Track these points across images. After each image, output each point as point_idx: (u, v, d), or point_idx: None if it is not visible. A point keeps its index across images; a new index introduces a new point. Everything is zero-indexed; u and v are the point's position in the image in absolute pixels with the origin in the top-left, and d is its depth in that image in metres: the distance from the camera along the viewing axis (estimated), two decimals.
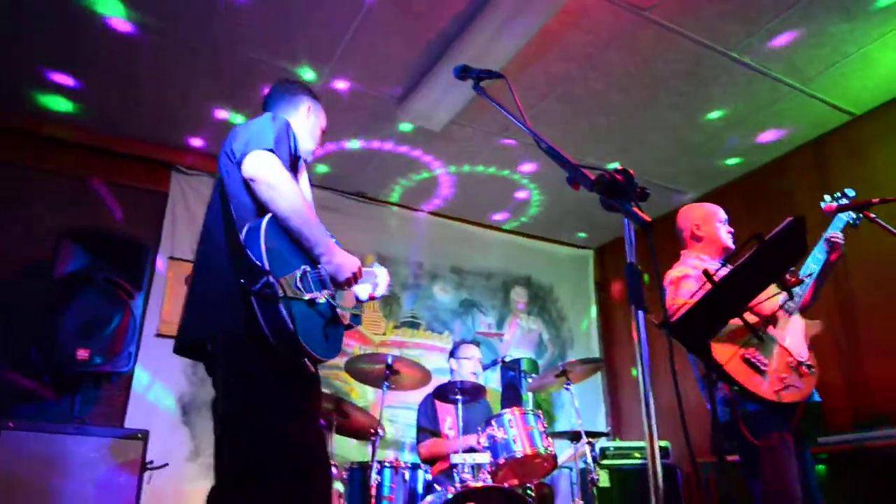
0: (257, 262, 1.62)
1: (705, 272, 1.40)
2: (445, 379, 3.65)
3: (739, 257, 1.41)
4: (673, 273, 2.61)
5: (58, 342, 3.31)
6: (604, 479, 4.50)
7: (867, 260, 4.01)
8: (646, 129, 4.37)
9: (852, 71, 3.80)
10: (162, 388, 4.10)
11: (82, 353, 3.35)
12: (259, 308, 1.61)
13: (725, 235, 2.70)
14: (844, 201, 2.44)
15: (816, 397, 2.49)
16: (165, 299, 4.25)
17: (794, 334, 2.44)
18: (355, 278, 1.86)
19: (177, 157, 4.54)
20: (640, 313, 1.34)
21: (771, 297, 2.10)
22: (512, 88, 1.81)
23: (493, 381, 5.17)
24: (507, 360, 4.55)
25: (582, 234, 5.95)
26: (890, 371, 3.81)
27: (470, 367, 3.98)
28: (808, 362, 2.38)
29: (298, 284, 1.69)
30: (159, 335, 4.16)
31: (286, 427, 1.66)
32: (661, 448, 4.62)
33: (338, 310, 1.83)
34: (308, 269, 1.74)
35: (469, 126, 4.33)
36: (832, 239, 2.43)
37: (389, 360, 3.36)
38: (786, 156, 4.62)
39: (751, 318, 2.42)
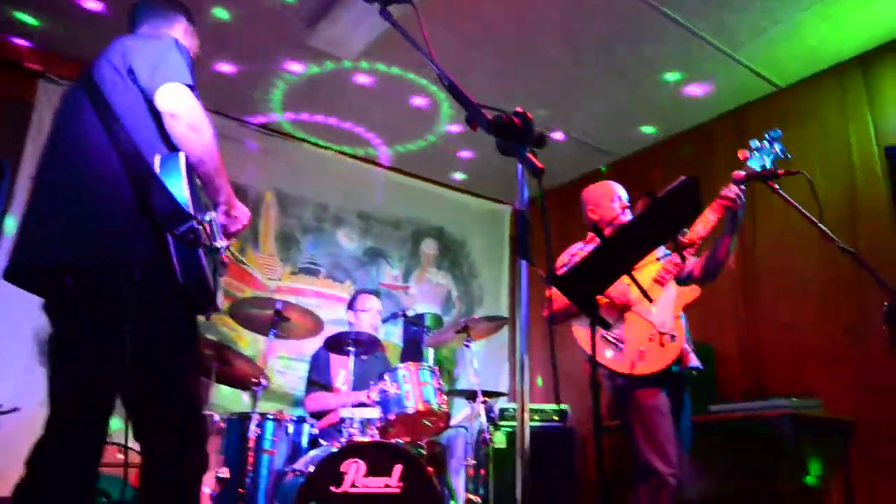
0: (181, 204, 1.64)
1: (594, 226, 1.44)
2: (344, 330, 3.64)
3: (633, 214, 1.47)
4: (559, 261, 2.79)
5: None
6: (500, 440, 4.67)
7: (773, 232, 4.28)
8: (576, 86, 4.41)
9: (781, 40, 3.95)
10: (15, 323, 3.87)
11: None
12: (177, 250, 1.63)
13: (618, 209, 2.70)
14: (765, 150, 2.49)
15: (694, 364, 2.63)
16: None
17: (663, 305, 2.56)
18: (242, 231, 1.95)
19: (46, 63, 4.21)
20: (524, 264, 1.37)
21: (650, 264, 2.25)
22: (420, 18, 1.76)
23: (395, 337, 5.23)
24: (410, 314, 4.59)
25: (496, 190, 6.03)
26: (786, 343, 4.12)
27: (368, 318, 4.00)
28: (672, 332, 2.50)
29: (209, 231, 1.75)
30: None
31: (195, 377, 1.81)
32: (558, 411, 4.86)
33: (234, 259, 1.98)
34: (214, 215, 1.81)
35: (383, 61, 4.23)
36: (724, 194, 2.50)
37: (278, 306, 3.31)
38: (708, 123, 4.81)
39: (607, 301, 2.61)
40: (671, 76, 4.33)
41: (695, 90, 4.47)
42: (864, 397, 3.65)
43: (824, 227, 2.33)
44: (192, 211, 1.64)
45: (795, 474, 3.67)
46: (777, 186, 2.47)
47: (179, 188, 1.65)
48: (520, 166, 1.43)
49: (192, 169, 1.77)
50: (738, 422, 3.77)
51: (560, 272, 1.51)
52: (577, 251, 2.78)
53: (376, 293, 4.25)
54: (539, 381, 5.63)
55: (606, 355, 2.62)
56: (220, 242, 1.80)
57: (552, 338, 1.45)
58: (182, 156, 1.73)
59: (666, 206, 1.46)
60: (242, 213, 1.92)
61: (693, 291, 2.59)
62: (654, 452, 2.50)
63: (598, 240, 2.66)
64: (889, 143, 3.61)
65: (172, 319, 1.73)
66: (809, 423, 3.57)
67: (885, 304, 2.13)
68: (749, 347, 4.30)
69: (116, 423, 3.97)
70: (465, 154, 5.40)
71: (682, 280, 2.71)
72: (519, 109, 1.46)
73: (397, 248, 5.56)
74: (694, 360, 2.64)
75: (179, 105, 1.73)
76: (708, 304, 4.60)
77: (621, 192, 2.85)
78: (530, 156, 1.39)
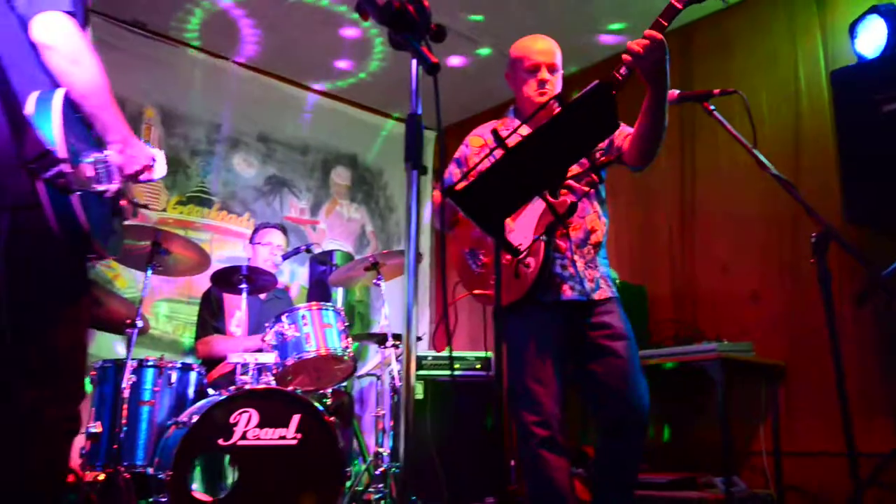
0: (49, 147, 1.64)
1: (494, 132, 1.42)
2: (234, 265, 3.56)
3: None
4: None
5: None
6: (418, 390, 4.74)
7: (712, 164, 4.40)
8: None
9: None
10: None
11: None
12: (48, 195, 1.64)
13: (532, 91, 2.47)
14: None
15: (577, 297, 2.37)
16: None
17: (524, 221, 2.35)
18: (143, 172, 1.94)
19: None
20: (415, 173, 1.34)
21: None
22: None
23: (303, 277, 5.17)
24: (317, 251, 4.53)
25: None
26: (722, 284, 4.29)
27: (266, 253, 3.94)
28: (527, 260, 2.29)
29: (91, 174, 1.75)
30: None
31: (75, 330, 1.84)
32: (482, 358, 4.95)
33: (131, 203, 1.97)
34: (100, 156, 1.79)
35: None
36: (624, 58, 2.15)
37: (157, 236, 3.19)
38: None
39: None
40: None
41: (640, 5, 4.46)
42: (795, 340, 3.86)
43: (758, 154, 2.38)
44: (63, 153, 1.64)
45: (725, 420, 3.88)
46: (713, 107, 2.50)
47: (49, 128, 1.65)
48: (413, 62, 1.38)
49: (75, 105, 1.76)
50: (669, 367, 3.93)
51: (459, 187, 1.48)
52: (485, 141, 2.54)
53: (281, 228, 4.16)
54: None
55: (466, 273, 2.54)
56: (108, 186, 1.80)
57: (443, 261, 1.43)
58: (59, 92, 1.70)
59: (577, 113, 1.45)
60: (141, 152, 1.92)
61: (560, 206, 2.20)
62: (515, 399, 2.37)
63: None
64: (838, 66, 3.72)
65: (43, 268, 1.75)
66: (740, 367, 3.77)
67: (813, 235, 2.22)
68: (683, 289, 4.46)
69: None
70: (382, 71, 5.28)
71: (612, 157, 2.44)
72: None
73: (304, 177, 5.44)
74: (570, 293, 2.36)
75: (55, 36, 1.71)
76: (641, 243, 4.79)
77: (535, 56, 2.50)
78: (425, 49, 1.34)
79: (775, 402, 3.89)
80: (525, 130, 2.30)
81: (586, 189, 2.42)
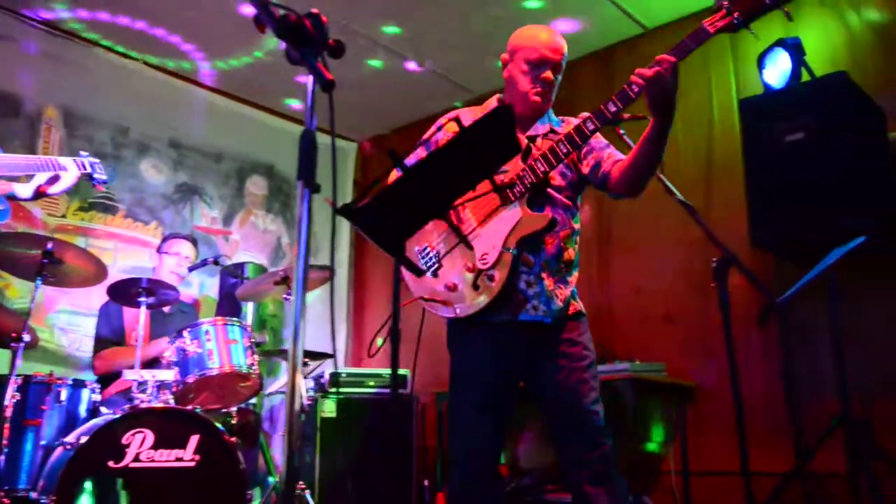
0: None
1: (391, 153, 1.42)
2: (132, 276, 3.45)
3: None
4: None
5: None
6: (330, 409, 4.69)
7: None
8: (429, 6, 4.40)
9: None
10: None
11: None
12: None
13: (526, 83, 2.28)
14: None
15: (540, 317, 2.19)
16: None
17: (493, 229, 2.15)
18: None
19: None
20: (307, 192, 1.33)
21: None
22: None
23: (213, 289, 5.06)
24: (227, 263, 4.45)
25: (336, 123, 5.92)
26: (637, 306, 4.41)
27: (172, 264, 3.85)
28: (491, 272, 2.11)
29: None
30: None
31: None
32: (399, 376, 4.94)
33: None
34: None
35: None
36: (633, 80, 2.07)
37: (49, 246, 3.06)
38: (573, 63, 4.96)
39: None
40: (532, 3, 4.43)
41: (563, 26, 4.58)
42: (703, 360, 4.01)
43: (664, 179, 2.47)
44: None
45: (636, 440, 3.98)
46: (623, 132, 2.58)
47: None
48: (311, 79, 1.38)
49: None
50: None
51: (362, 204, 1.48)
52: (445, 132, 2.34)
53: (193, 239, 4.06)
54: (379, 342, 5.67)
55: (428, 276, 2.30)
56: None
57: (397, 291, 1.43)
58: None
59: (476, 137, 1.48)
60: None
61: (541, 220, 2.13)
62: (452, 423, 2.29)
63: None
64: (748, 94, 3.90)
65: None
66: (651, 388, 3.88)
67: (714, 260, 2.32)
68: (600, 311, 4.57)
69: None
70: (303, 78, 5.23)
71: (593, 180, 2.30)
72: (314, 10, 1.40)
73: (218, 185, 5.35)
74: (532, 312, 2.19)
75: None
76: None
77: (542, 49, 2.29)
78: (320, 66, 1.34)
79: (684, 422, 4.02)
80: None
81: (567, 202, 2.29)
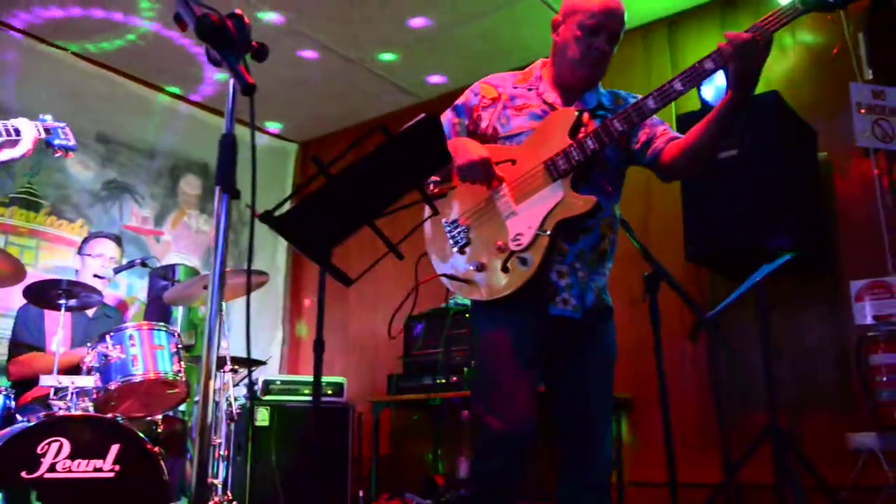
0: None
1: (314, 159, 1.42)
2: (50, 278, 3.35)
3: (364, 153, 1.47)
4: None
5: None
6: (263, 417, 4.63)
7: None
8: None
9: None
10: None
11: None
12: None
13: (581, 49, 2.07)
14: None
15: (570, 313, 2.06)
16: None
17: (531, 206, 2.02)
18: None
19: None
20: (225, 198, 1.32)
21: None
22: None
23: (141, 292, 4.95)
24: (156, 265, 4.35)
25: (278, 124, 5.88)
26: None
27: (96, 266, 3.74)
28: (524, 255, 1.97)
29: None
30: None
31: None
32: (333, 384, 4.91)
33: None
34: None
35: None
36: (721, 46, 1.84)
37: None
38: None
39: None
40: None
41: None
42: (637, 373, 4.09)
43: None
44: None
45: None
46: None
47: None
48: (231, 81, 1.37)
49: None
50: None
51: (280, 213, 1.47)
52: (499, 94, 2.19)
53: (117, 238, 3.96)
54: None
55: (440, 250, 2.18)
56: None
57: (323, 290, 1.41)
58: None
59: (403, 145, 1.48)
60: None
61: (584, 203, 1.97)
62: (481, 403, 2.10)
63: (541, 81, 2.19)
64: (686, 111, 4.00)
65: None
66: None
67: (644, 274, 2.37)
68: None
69: None
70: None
71: (642, 158, 2.14)
72: (238, 11, 1.39)
73: (149, 183, 5.26)
74: (562, 306, 2.06)
75: None
76: None
77: (595, 11, 2.06)
78: (242, 69, 1.33)
79: (619, 434, 4.09)
80: (551, 96, 2.15)
81: (609, 188, 2.14)
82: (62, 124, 2.58)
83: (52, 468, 2.71)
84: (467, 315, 4.38)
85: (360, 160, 1.43)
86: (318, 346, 1.59)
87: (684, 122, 3.79)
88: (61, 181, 4.75)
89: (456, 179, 2.06)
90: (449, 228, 2.14)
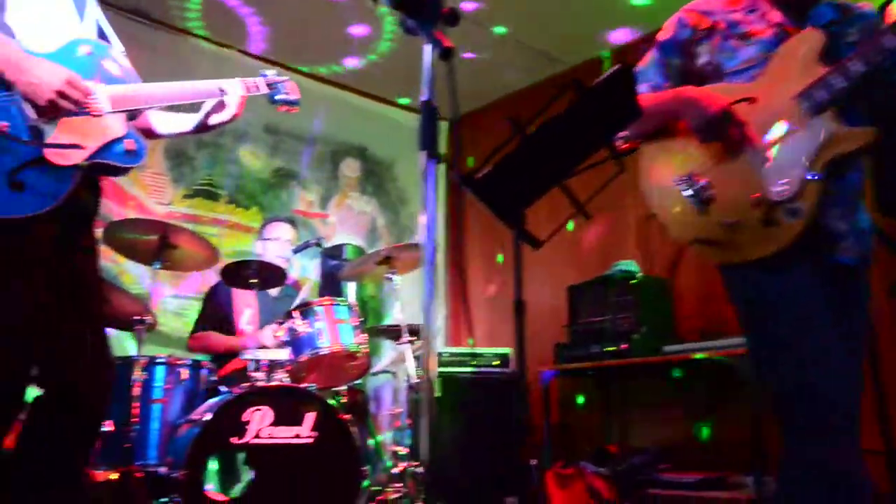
0: None
1: (511, 119, 1.45)
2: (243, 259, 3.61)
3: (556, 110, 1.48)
4: None
5: None
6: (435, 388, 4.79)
7: None
8: None
9: None
10: None
11: None
12: None
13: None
14: None
15: (850, 259, 1.83)
16: None
17: (792, 148, 1.79)
18: (66, 99, 1.70)
19: None
20: (432, 164, 1.38)
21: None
22: None
23: (313, 272, 5.23)
24: (326, 245, 4.58)
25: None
26: None
27: (277, 248, 3.98)
28: (794, 206, 1.75)
29: None
30: None
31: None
32: (500, 355, 4.99)
33: (38, 146, 1.70)
34: None
35: None
36: None
37: (165, 230, 3.25)
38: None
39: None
40: None
41: None
42: None
43: None
44: None
45: (754, 419, 3.88)
46: None
47: None
48: (427, 48, 1.42)
49: None
50: (694, 363, 3.95)
51: (480, 175, 1.51)
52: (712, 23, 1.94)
53: (291, 221, 4.21)
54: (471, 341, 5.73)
55: (674, 212, 1.96)
56: None
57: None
58: None
59: (596, 99, 1.49)
60: (43, 76, 1.68)
61: (862, 136, 1.76)
62: (783, 395, 1.77)
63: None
64: None
65: None
66: None
67: None
68: (708, 282, 4.46)
69: None
70: (392, 58, 5.31)
71: None
72: None
73: (312, 168, 5.49)
74: (845, 253, 1.82)
75: None
76: (663, 234, 4.77)
77: None
78: (438, 34, 1.38)
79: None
80: (776, 16, 1.91)
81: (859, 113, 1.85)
82: (285, 79, 2.43)
83: (257, 434, 2.93)
84: (632, 282, 4.34)
85: (555, 118, 1.45)
86: (519, 307, 1.63)
87: None
88: (236, 172, 5.09)
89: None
90: (684, 186, 1.90)
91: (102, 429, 2.93)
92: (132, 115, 1.97)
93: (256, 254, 4.11)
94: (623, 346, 4.21)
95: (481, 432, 4.62)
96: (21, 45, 1.74)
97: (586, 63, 5.27)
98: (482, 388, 4.77)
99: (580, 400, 4.98)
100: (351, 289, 4.74)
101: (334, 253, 4.70)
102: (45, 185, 1.69)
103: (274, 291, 4.02)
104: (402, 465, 3.55)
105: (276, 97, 2.36)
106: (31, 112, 1.70)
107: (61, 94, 1.68)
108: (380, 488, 3.66)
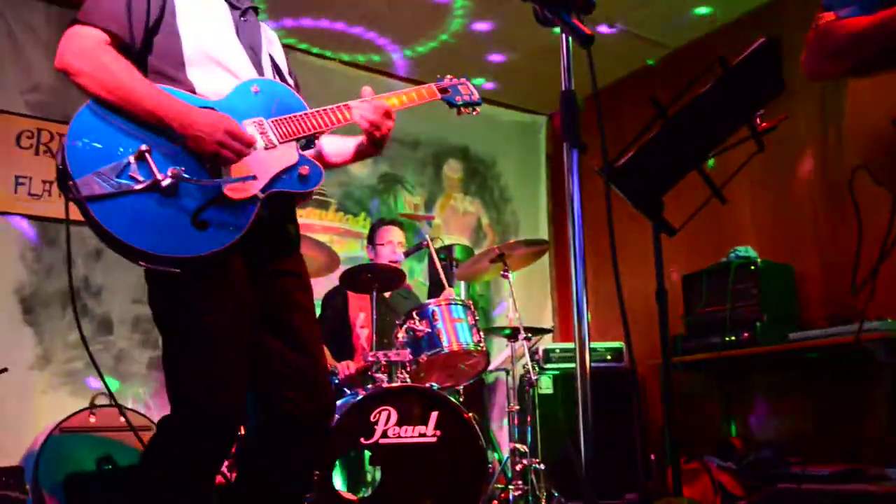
0: (60, 165, 1.65)
1: (652, 100, 1.39)
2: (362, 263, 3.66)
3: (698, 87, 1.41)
4: None
5: None
6: (546, 385, 4.73)
7: (868, 118, 4.15)
8: None
9: None
10: None
11: None
12: (82, 213, 1.64)
13: None
14: None
15: None
16: None
17: None
18: (227, 149, 1.76)
19: None
20: (575, 153, 1.33)
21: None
22: None
23: (420, 273, 5.26)
24: (436, 245, 4.59)
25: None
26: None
27: (388, 252, 4.01)
28: None
29: (128, 172, 1.67)
30: None
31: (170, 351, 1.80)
32: (612, 349, 4.89)
33: (216, 183, 1.76)
34: (146, 149, 1.71)
35: None
36: None
37: None
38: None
39: None
40: None
41: None
42: None
43: None
44: (68, 168, 1.63)
45: (890, 407, 3.65)
46: None
47: (62, 150, 1.68)
48: (564, 38, 1.38)
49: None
50: (823, 350, 3.75)
51: (620, 163, 1.46)
52: None
53: (400, 224, 4.23)
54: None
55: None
56: (161, 177, 1.69)
57: (613, 244, 1.42)
58: (80, 111, 1.73)
59: (741, 75, 1.41)
60: (204, 127, 1.75)
61: None
62: None
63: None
64: None
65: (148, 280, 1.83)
66: None
67: None
68: (835, 268, 4.22)
69: (114, 384, 4.07)
70: (493, 58, 5.28)
71: None
72: None
73: (416, 172, 5.53)
74: None
75: (58, 58, 1.77)
76: (784, 218, 4.56)
77: None
78: (576, 22, 1.33)
79: None
80: None
81: None
82: (461, 80, 2.35)
83: (384, 434, 2.96)
84: (752, 268, 4.16)
85: (698, 96, 1.38)
86: (661, 295, 1.56)
87: None
88: (344, 180, 5.17)
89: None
90: None
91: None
92: (306, 144, 2.04)
93: (369, 258, 4.16)
94: (745, 335, 4.04)
95: (598, 427, 4.52)
96: (195, 89, 1.85)
97: (686, 47, 5.10)
98: (595, 383, 4.66)
99: (695, 393, 4.80)
100: (461, 288, 4.73)
101: (444, 254, 4.70)
102: (228, 219, 1.75)
103: (387, 293, 4.05)
104: (524, 462, 3.51)
105: (455, 100, 2.30)
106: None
107: (222, 145, 1.75)
108: (502, 486, 3.64)
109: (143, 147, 1.70)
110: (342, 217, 5.13)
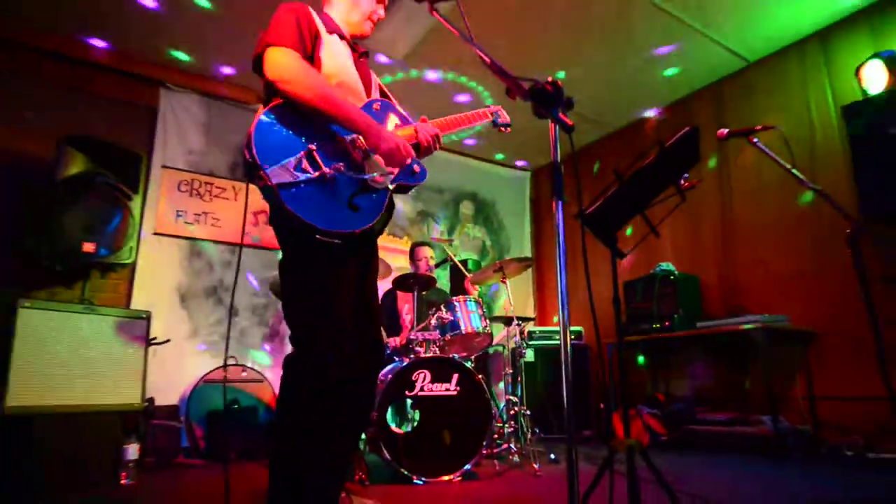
0: (248, 159, 1.51)
1: (615, 172, 1.40)
2: (407, 272, 3.66)
3: (642, 162, 1.43)
4: None
5: (64, 236, 3.16)
6: (529, 356, 4.71)
7: (745, 185, 4.13)
8: (576, 65, 4.27)
9: (751, 20, 3.74)
10: (161, 279, 4.01)
11: (88, 246, 3.22)
12: (266, 197, 1.52)
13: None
14: None
15: None
16: (160, 203, 4.08)
17: None
18: (408, 157, 1.70)
19: (166, 74, 4.24)
20: (560, 204, 1.35)
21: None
22: (462, 8, 1.72)
23: (443, 280, 5.26)
24: (457, 259, 4.59)
25: (513, 159, 5.88)
26: (758, 273, 4.02)
27: (423, 264, 4.02)
28: None
29: (301, 166, 1.52)
30: (157, 234, 4.02)
31: (302, 305, 1.59)
32: (574, 332, 4.84)
33: (366, 177, 1.63)
34: (315, 146, 1.56)
35: (426, 62, 4.14)
36: None
37: None
38: (688, 97, 4.62)
39: None
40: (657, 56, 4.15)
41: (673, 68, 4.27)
42: (825, 313, 3.56)
43: (796, 172, 2.23)
44: (258, 161, 1.48)
45: (765, 374, 3.62)
46: (756, 140, 2.37)
47: (251, 145, 1.52)
48: (552, 126, 1.39)
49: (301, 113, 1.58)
50: (720, 335, 3.72)
51: (590, 210, 1.47)
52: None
53: (429, 244, 4.25)
54: (555, 319, 5.60)
55: None
56: (327, 170, 1.54)
57: (585, 259, 1.42)
58: (262, 112, 1.57)
59: (672, 153, 1.42)
60: (396, 143, 1.63)
61: None
62: None
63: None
64: (844, 102, 3.41)
65: (287, 251, 1.64)
66: (778, 334, 3.51)
67: (847, 230, 2.04)
68: (727, 278, 4.21)
69: (240, 351, 4.05)
70: (487, 130, 5.29)
71: None
72: (550, 78, 1.41)
73: (442, 209, 5.53)
74: None
75: (267, 70, 1.61)
76: (693, 244, 4.56)
77: None
78: (562, 116, 1.35)
79: (807, 361, 3.59)
80: None
81: None
82: (498, 108, 2.26)
83: (421, 389, 2.95)
84: (672, 277, 4.14)
85: (643, 167, 1.38)
86: (616, 301, 1.56)
87: (848, 110, 3.25)
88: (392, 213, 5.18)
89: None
90: None
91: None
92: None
93: (410, 269, 4.17)
94: (666, 323, 4.02)
95: (560, 389, 4.49)
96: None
97: (629, 125, 5.09)
98: (558, 356, 4.64)
99: (640, 361, 4.76)
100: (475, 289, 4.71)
101: (461, 265, 4.70)
102: (371, 204, 1.65)
103: (424, 292, 4.04)
104: (515, 409, 3.49)
105: (498, 121, 2.23)
106: (356, 154, 1.65)
107: (405, 155, 1.70)
108: (500, 425, 3.61)
109: (312, 146, 1.56)
110: (392, 239, 5.15)
